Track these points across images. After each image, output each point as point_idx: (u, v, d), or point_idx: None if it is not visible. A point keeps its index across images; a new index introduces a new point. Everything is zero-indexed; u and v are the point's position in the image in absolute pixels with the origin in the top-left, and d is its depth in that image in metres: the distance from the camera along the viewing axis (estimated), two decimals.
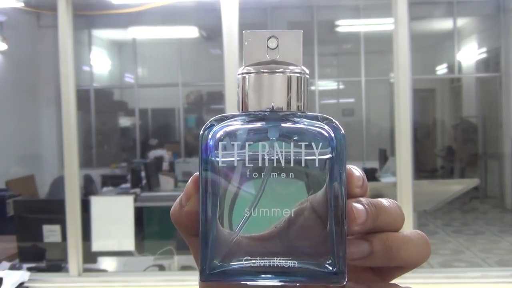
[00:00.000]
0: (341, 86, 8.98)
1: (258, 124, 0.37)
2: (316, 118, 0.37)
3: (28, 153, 7.14)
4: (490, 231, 6.39)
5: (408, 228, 2.50)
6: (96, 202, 2.89)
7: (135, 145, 8.29)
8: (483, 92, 8.62)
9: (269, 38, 0.37)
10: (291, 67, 0.37)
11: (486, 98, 8.53)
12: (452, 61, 8.37)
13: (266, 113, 0.37)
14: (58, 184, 4.90)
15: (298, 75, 0.37)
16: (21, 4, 3.55)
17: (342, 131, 0.36)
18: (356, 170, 0.37)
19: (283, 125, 0.37)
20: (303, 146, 0.36)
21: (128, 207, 2.91)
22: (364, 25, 7.98)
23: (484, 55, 8.43)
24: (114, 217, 2.87)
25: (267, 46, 0.37)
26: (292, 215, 0.35)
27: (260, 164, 0.35)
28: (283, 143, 0.36)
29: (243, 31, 0.38)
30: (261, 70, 0.37)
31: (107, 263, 3.16)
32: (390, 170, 5.43)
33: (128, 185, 5.63)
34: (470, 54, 8.58)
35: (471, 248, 5.68)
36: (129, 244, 2.87)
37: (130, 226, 2.85)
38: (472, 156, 8.60)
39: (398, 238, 0.37)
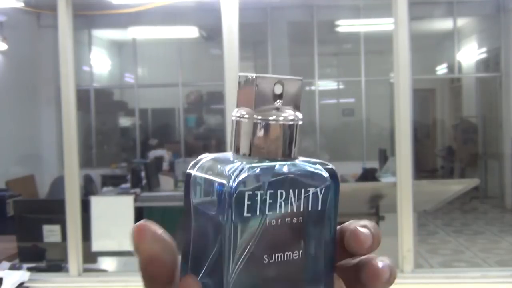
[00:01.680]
0: (341, 86, 8.98)
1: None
2: (313, 163, 0.36)
3: (28, 153, 7.14)
4: (490, 231, 6.39)
5: (408, 228, 2.50)
6: (96, 202, 2.89)
7: (135, 145, 8.29)
8: (483, 92, 8.62)
9: (275, 84, 0.36)
10: (291, 115, 0.37)
11: (486, 98, 8.53)
12: (452, 61, 8.37)
13: (263, 160, 0.36)
14: (58, 184, 4.90)
15: (299, 122, 0.37)
16: (21, 4, 3.55)
17: (338, 177, 0.36)
18: (362, 230, 0.36)
19: (276, 171, 0.35)
20: (293, 194, 0.35)
21: (128, 207, 2.91)
22: (364, 25, 7.98)
23: (484, 55, 8.43)
24: (114, 217, 2.87)
25: (273, 92, 0.36)
26: (287, 259, 0.35)
27: (257, 213, 0.34)
28: (279, 190, 0.34)
29: (255, 75, 0.36)
30: (262, 117, 0.36)
31: (107, 263, 3.16)
32: (390, 170, 5.43)
33: (128, 185, 5.63)
34: (470, 54, 8.58)
35: (471, 248, 5.69)
36: (129, 244, 2.86)
37: (130, 226, 2.85)
38: (472, 156, 8.61)
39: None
